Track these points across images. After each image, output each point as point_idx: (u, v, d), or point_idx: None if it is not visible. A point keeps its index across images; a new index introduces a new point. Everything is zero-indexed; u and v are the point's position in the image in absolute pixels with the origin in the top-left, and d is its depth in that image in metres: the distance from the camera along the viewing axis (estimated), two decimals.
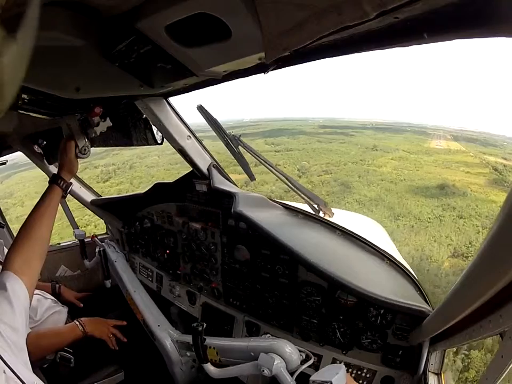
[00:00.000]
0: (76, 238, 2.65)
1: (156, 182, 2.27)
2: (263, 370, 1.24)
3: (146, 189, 2.32)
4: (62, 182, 1.32)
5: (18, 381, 0.82)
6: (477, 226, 24.36)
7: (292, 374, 1.27)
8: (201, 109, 1.75)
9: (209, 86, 1.27)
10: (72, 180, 2.34)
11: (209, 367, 1.48)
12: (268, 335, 1.58)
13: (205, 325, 1.42)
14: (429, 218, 25.72)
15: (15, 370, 0.83)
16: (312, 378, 1.00)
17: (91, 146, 1.48)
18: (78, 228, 3.08)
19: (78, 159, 1.42)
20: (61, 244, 3.03)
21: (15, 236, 1.28)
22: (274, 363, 1.23)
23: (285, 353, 1.27)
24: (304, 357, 1.33)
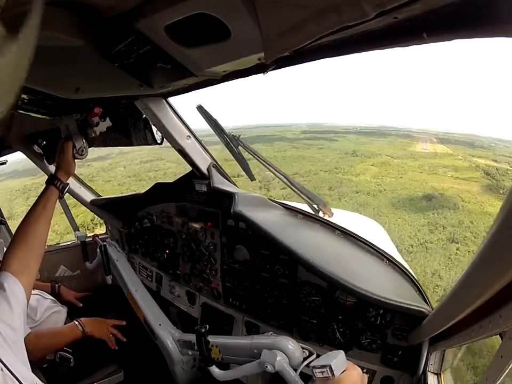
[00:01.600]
0: (77, 239, 2.65)
1: (156, 182, 2.27)
2: (267, 367, 1.24)
3: (146, 189, 2.33)
4: (59, 183, 1.32)
5: (15, 379, 0.82)
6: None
7: (295, 370, 1.27)
8: (200, 109, 1.75)
9: (208, 86, 1.27)
10: (72, 180, 2.33)
11: (214, 370, 1.49)
12: (270, 332, 1.58)
13: (207, 326, 1.43)
14: (411, 246, 19.42)
15: (12, 369, 0.83)
16: (312, 364, 1.01)
17: (91, 147, 1.48)
18: (78, 229, 3.09)
19: (76, 160, 1.42)
20: (61, 244, 3.03)
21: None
22: (277, 359, 1.23)
23: (287, 349, 1.27)
24: (307, 354, 1.33)
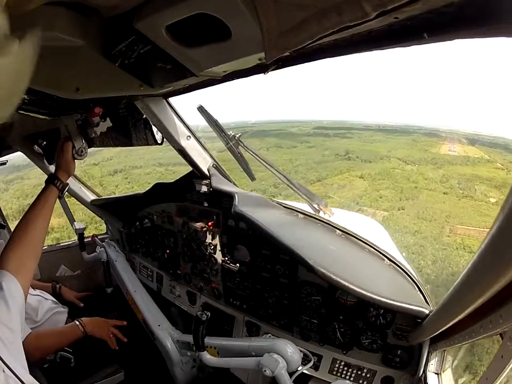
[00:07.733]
0: (75, 231, 2.65)
1: (156, 182, 2.27)
2: (265, 371, 1.24)
3: (147, 189, 2.33)
4: (59, 182, 1.32)
5: (18, 380, 0.82)
6: None
7: (291, 374, 1.27)
8: (201, 109, 1.75)
9: (209, 86, 1.27)
10: (72, 180, 2.33)
11: (206, 355, 1.48)
12: (269, 334, 1.58)
13: (209, 314, 1.40)
14: None
15: (14, 370, 0.83)
16: None
17: (91, 147, 1.48)
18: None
19: (75, 160, 1.42)
20: (61, 244, 3.03)
21: None
22: (278, 365, 1.23)
23: (286, 353, 1.27)
24: (302, 356, 1.33)
